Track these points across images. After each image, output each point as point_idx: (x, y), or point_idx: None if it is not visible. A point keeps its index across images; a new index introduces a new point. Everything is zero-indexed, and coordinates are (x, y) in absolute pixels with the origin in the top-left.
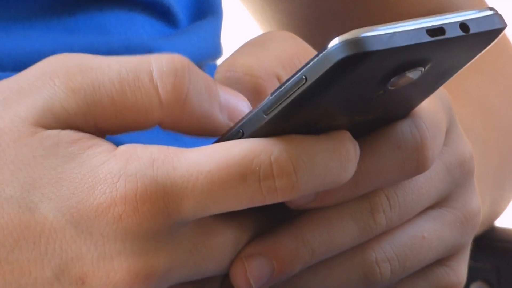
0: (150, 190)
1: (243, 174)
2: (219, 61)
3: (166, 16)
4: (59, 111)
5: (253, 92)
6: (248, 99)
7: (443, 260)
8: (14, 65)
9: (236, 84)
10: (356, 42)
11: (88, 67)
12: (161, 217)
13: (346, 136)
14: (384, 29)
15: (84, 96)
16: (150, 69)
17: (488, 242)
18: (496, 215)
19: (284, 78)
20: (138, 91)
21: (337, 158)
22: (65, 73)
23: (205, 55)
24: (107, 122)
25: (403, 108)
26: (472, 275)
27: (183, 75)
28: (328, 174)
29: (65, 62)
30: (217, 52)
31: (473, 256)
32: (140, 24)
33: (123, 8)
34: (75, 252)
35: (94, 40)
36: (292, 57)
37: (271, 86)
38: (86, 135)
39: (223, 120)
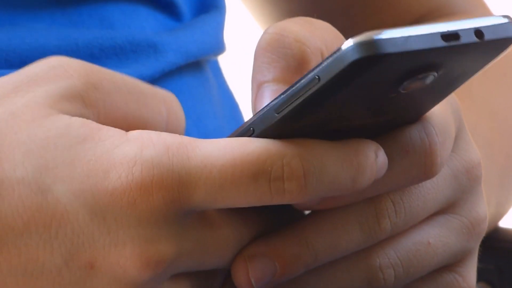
0: (166, 177)
1: (255, 173)
2: (221, 57)
3: (169, 9)
4: (76, 99)
5: (298, 59)
6: (291, 66)
7: (452, 266)
8: (20, 61)
9: (283, 48)
10: (370, 44)
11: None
12: (173, 205)
13: (362, 147)
14: (399, 32)
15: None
16: None
17: (490, 243)
18: (500, 216)
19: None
20: None
21: (348, 169)
22: (82, 66)
23: (208, 50)
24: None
25: (414, 113)
26: None
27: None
28: (337, 182)
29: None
30: (220, 47)
31: None
32: (144, 17)
33: (126, 0)
34: (87, 237)
35: (98, 35)
36: (333, 42)
37: (315, 59)
38: (94, 122)
39: None
